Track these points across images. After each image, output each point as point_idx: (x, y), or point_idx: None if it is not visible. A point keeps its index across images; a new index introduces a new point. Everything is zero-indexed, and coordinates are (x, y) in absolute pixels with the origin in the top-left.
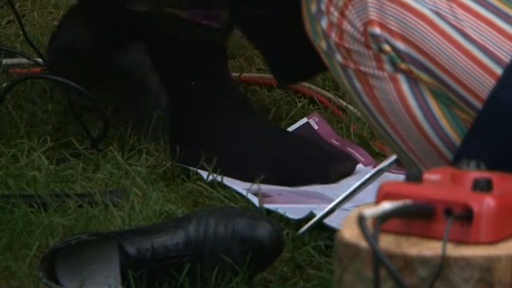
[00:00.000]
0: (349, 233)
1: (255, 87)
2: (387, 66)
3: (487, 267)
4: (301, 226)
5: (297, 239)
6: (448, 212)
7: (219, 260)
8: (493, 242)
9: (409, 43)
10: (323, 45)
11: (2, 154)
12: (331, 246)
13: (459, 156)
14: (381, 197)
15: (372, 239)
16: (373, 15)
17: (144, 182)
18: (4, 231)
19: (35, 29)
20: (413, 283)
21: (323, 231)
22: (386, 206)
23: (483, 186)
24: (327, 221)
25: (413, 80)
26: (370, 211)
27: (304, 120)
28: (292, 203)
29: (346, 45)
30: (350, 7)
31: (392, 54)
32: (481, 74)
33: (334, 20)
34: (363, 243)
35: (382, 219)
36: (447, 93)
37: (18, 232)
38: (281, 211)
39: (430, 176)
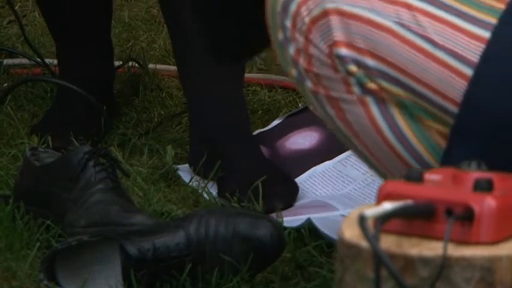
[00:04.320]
0: (350, 233)
1: (255, 88)
2: (356, 89)
3: (488, 267)
4: (302, 226)
5: (298, 239)
6: (449, 212)
7: (220, 260)
8: (494, 242)
9: (377, 58)
10: (293, 72)
11: (2, 154)
12: (332, 246)
13: (444, 163)
14: (382, 197)
15: (372, 239)
16: (337, 36)
17: (145, 182)
18: (5, 231)
19: (35, 29)
20: (414, 283)
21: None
22: (387, 206)
23: (484, 187)
24: (323, 228)
25: (381, 101)
26: (371, 211)
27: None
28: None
29: (315, 70)
30: (314, 31)
31: (360, 74)
32: (452, 78)
33: (301, 45)
34: (364, 244)
35: (383, 219)
36: (422, 104)
37: (19, 232)
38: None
39: (431, 176)
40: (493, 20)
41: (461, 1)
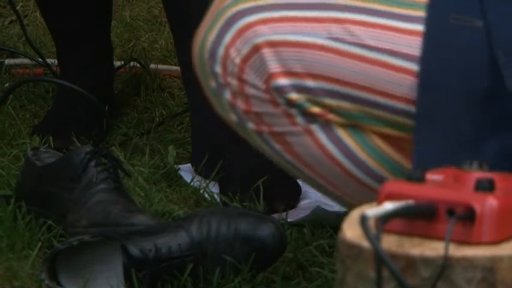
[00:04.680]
0: (352, 233)
1: None
2: (299, 120)
3: (489, 267)
4: (303, 226)
5: (300, 238)
6: (451, 212)
7: (222, 260)
8: (496, 242)
9: (318, 78)
10: (232, 117)
11: (4, 154)
12: (334, 246)
13: (416, 151)
14: (383, 197)
15: (374, 239)
16: (273, 67)
17: (146, 182)
18: (6, 231)
19: (37, 29)
20: (415, 283)
21: (325, 230)
22: (389, 206)
23: (485, 187)
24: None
25: (326, 126)
26: (373, 211)
27: None
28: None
29: (255, 109)
30: (246, 70)
31: (301, 101)
32: (398, 77)
33: (236, 88)
34: (365, 244)
35: (385, 219)
36: (374, 112)
37: (21, 232)
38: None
39: (432, 176)
40: (420, 13)
41: (385, 3)
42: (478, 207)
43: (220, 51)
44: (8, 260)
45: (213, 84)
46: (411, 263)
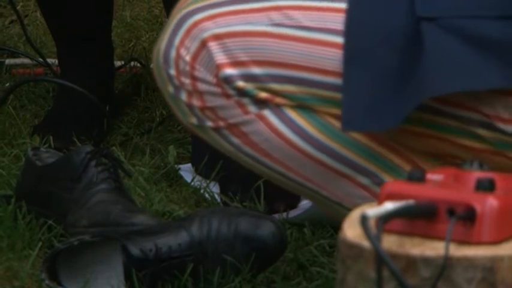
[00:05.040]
0: (352, 233)
1: None
2: (251, 108)
3: (489, 267)
4: (304, 225)
5: (300, 238)
6: (451, 212)
7: (222, 260)
8: (496, 242)
9: (262, 64)
10: (193, 120)
11: (4, 154)
12: (334, 245)
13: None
14: (384, 197)
15: (374, 239)
16: (219, 59)
17: (146, 182)
18: (7, 231)
19: (37, 29)
20: (416, 283)
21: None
22: (389, 206)
23: (486, 186)
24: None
25: (277, 109)
26: (373, 211)
27: None
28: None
29: (209, 104)
30: (197, 66)
31: (249, 88)
32: (332, 52)
33: (189, 87)
34: (365, 244)
35: (385, 219)
36: (318, 92)
37: (21, 232)
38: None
39: (433, 176)
40: None
41: None
42: (478, 207)
43: (173, 53)
44: (8, 259)
45: (170, 89)
46: (411, 262)
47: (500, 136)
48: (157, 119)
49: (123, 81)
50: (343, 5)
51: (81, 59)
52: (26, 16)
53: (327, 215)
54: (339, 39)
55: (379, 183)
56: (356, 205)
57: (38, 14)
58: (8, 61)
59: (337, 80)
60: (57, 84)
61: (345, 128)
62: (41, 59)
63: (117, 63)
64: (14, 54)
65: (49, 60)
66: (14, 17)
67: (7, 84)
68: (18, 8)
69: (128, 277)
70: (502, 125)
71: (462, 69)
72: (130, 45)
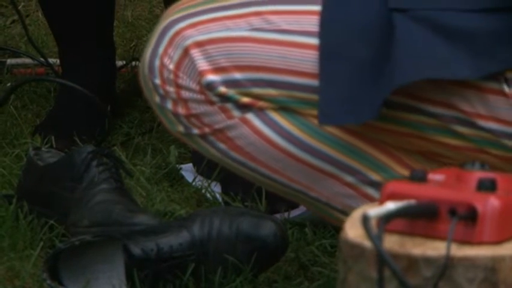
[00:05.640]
0: (353, 233)
1: None
2: (235, 113)
3: (491, 267)
4: (305, 225)
5: (301, 238)
6: (453, 212)
7: (223, 260)
8: (497, 242)
9: (243, 68)
10: (180, 128)
11: (6, 154)
12: (336, 245)
13: (322, 118)
14: (385, 196)
15: (376, 239)
16: (202, 66)
17: (148, 182)
18: (8, 231)
19: (39, 29)
20: (417, 283)
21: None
22: (391, 206)
23: (487, 186)
24: None
25: (260, 112)
26: (374, 211)
27: None
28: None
29: (194, 112)
30: (180, 74)
31: (231, 94)
32: (311, 54)
33: (174, 95)
34: (367, 243)
35: (386, 219)
36: (298, 95)
37: (23, 232)
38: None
39: (434, 176)
40: None
41: None
42: (480, 207)
43: (157, 63)
44: (9, 259)
45: (156, 98)
46: (413, 262)
47: (481, 133)
48: (158, 119)
49: (124, 81)
50: (319, 8)
51: (83, 58)
52: (28, 16)
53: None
54: (315, 41)
55: (366, 181)
56: (344, 204)
57: (40, 14)
58: (9, 61)
59: (315, 82)
60: (58, 84)
61: (322, 122)
62: (42, 59)
63: (119, 63)
64: (15, 54)
65: (50, 60)
66: (16, 17)
67: (8, 84)
68: (19, 8)
69: (129, 277)
70: (481, 122)
71: (432, 59)
72: (131, 45)
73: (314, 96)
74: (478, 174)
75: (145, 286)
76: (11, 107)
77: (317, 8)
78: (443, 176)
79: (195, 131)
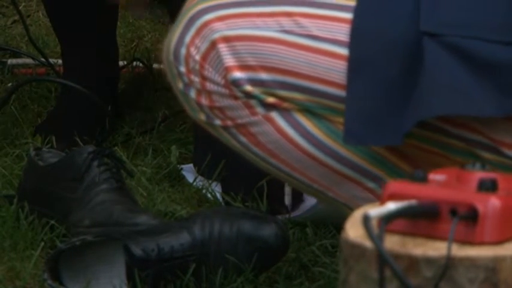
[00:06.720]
0: (354, 233)
1: None
2: (259, 110)
3: (492, 267)
4: (306, 225)
5: (302, 238)
6: (453, 212)
7: (224, 260)
8: (498, 242)
9: (270, 70)
10: (202, 117)
11: (7, 154)
12: (337, 246)
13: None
14: (386, 197)
15: (377, 239)
16: (228, 61)
17: (149, 182)
18: (9, 231)
19: (40, 29)
20: (418, 283)
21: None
22: (392, 206)
23: (488, 187)
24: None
25: (286, 112)
26: (375, 211)
27: None
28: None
29: (217, 104)
30: (206, 66)
31: (256, 92)
32: (340, 64)
33: (198, 86)
34: (368, 244)
35: (387, 219)
36: (324, 102)
37: (24, 232)
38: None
39: (435, 176)
40: (352, 3)
41: None
42: (480, 207)
43: (183, 51)
44: (10, 260)
45: (180, 85)
46: (414, 262)
47: (505, 160)
48: (160, 119)
49: (125, 82)
50: (351, 15)
51: (85, 59)
52: (28, 16)
53: (332, 213)
54: (345, 51)
55: None
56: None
57: (40, 14)
58: (10, 61)
59: (341, 92)
60: (59, 84)
61: (346, 141)
62: (43, 59)
63: (120, 63)
64: (16, 54)
65: (51, 60)
66: (17, 17)
67: (9, 84)
68: (20, 8)
69: (130, 277)
70: (506, 151)
71: (458, 93)
72: (132, 45)
73: (340, 105)
74: (478, 174)
75: (146, 286)
76: (12, 107)
77: (349, 15)
78: (444, 176)
79: (218, 122)
